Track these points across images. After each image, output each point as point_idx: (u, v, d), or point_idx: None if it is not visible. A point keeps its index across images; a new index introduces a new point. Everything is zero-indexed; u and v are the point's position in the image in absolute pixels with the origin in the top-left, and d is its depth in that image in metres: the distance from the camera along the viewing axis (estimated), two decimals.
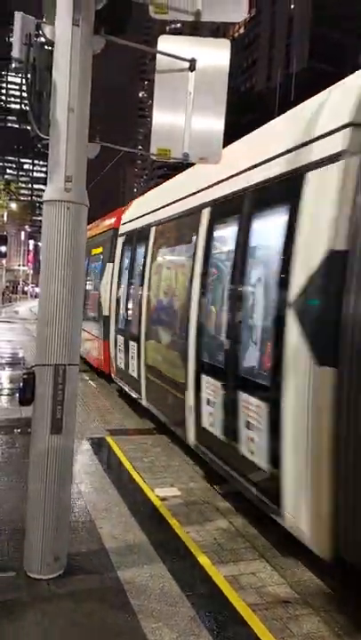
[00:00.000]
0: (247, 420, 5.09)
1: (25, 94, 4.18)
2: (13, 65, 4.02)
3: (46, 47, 4.07)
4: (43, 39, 4.08)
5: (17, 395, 4.16)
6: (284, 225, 4.66)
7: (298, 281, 4.34)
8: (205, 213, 6.56)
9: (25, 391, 3.98)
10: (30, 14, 4.09)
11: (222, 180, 6.13)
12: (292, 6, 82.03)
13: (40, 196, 4.03)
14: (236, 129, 6.98)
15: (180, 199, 7.67)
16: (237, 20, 4.35)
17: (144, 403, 8.90)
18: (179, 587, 4.05)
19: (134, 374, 9.28)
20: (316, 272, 4.13)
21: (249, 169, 5.50)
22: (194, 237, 6.82)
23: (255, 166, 5.37)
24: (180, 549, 4.78)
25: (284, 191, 4.78)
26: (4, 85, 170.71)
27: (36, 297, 66.31)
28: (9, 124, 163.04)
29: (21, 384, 4.00)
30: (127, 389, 10.05)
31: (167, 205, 8.26)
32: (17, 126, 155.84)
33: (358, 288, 3.81)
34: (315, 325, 4.13)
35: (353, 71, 4.50)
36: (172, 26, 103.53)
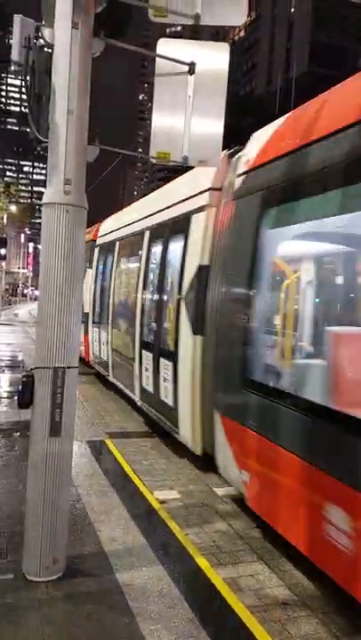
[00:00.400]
0: (164, 376, 7.52)
1: (25, 97, 4.18)
2: (13, 67, 4.04)
3: (46, 50, 4.07)
4: (42, 42, 4.09)
5: (16, 397, 4.16)
6: (181, 247, 7.12)
7: (185, 283, 6.82)
8: (146, 235, 9.01)
9: (24, 394, 3.98)
10: (30, 17, 4.11)
11: (154, 213, 8.72)
12: (293, 10, 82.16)
13: (40, 199, 4.04)
14: (236, 132, 7.05)
15: (134, 222, 10.14)
16: (237, 23, 4.35)
17: (110, 378, 11.33)
18: (177, 589, 4.06)
19: (104, 357, 11.81)
20: (192, 278, 6.61)
21: (167, 207, 8.05)
22: (140, 252, 9.25)
23: (171, 206, 7.91)
24: (178, 552, 4.78)
25: (181, 225, 7.21)
26: (4, 88, 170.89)
27: (35, 299, 66.31)
28: (9, 127, 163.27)
29: (20, 387, 4.00)
30: (100, 370, 12.48)
31: (126, 226, 10.75)
32: (17, 128, 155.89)
33: (214, 289, 6.25)
34: (192, 311, 6.58)
35: (353, 74, 4.52)
36: (172, 29, 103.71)
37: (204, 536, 5.14)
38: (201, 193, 6.73)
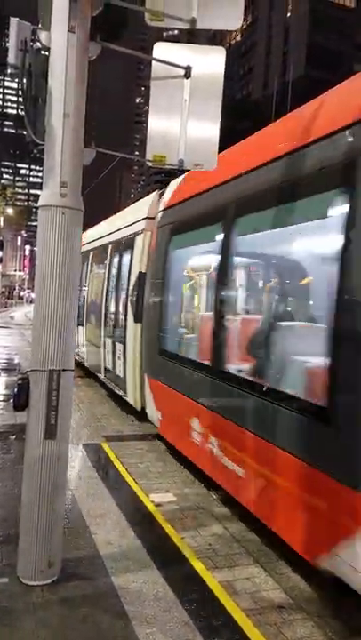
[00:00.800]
0: (118, 355, 9.97)
1: (21, 99, 4.18)
2: (9, 70, 4.04)
3: (42, 53, 4.07)
4: (39, 45, 4.09)
5: (12, 400, 4.15)
6: (130, 259, 9.59)
7: (132, 285, 9.18)
8: (109, 247, 11.70)
9: (19, 396, 3.97)
10: (26, 20, 4.11)
11: (114, 231, 11.47)
12: (289, 14, 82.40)
13: (36, 202, 4.03)
14: (232, 135, 7.09)
15: (103, 236, 12.71)
16: (233, 27, 4.34)
17: (86, 364, 13.73)
18: (173, 592, 4.05)
19: (82, 348, 14.24)
20: (135, 281, 9.01)
21: (121, 228, 10.80)
22: (106, 261, 11.91)
23: (123, 227, 10.63)
24: (174, 555, 4.77)
25: (130, 243, 9.74)
26: (1, 90, 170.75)
27: (31, 302, 66.02)
28: (5, 129, 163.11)
29: (16, 389, 4.00)
30: (77, 358, 14.00)
31: (98, 239, 13.18)
32: (14, 131, 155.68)
33: (147, 289, 8.60)
34: (134, 305, 8.95)
35: (349, 77, 4.54)
36: (170, 32, 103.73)
37: (200, 539, 5.14)
38: (141, 220, 9.22)
